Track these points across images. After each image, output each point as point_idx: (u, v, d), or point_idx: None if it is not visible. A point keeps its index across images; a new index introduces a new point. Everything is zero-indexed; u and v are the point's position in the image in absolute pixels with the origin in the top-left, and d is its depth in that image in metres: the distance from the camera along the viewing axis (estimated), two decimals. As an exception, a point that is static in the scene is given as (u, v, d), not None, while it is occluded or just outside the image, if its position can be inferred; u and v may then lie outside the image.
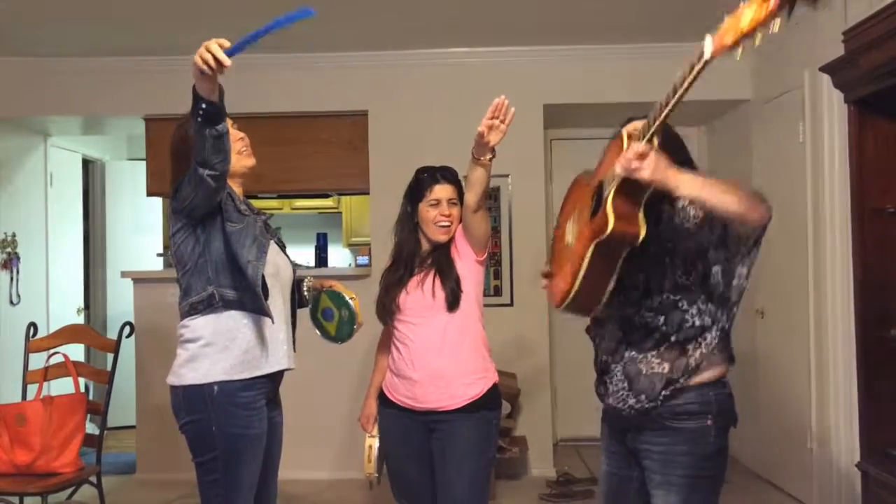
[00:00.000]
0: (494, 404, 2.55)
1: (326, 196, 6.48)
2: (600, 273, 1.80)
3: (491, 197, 4.90)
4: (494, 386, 2.55)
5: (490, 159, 2.40)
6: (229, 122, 2.38)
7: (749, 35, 1.36)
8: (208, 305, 2.25)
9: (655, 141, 1.69)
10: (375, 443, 2.62)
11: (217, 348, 2.24)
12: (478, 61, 4.87)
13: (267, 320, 2.26)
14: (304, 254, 6.31)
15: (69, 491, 3.37)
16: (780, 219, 4.68)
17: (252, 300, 2.23)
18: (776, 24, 1.34)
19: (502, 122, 2.32)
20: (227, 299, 2.24)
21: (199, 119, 2.01)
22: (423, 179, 2.63)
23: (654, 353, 1.93)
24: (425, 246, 2.60)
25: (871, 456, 3.23)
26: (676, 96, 1.57)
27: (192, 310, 2.27)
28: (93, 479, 3.40)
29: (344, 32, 4.48)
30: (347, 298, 2.51)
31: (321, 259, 5.89)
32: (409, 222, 2.62)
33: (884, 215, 3.29)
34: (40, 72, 4.85)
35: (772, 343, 4.36)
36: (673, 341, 1.92)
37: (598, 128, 4.69)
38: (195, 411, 2.25)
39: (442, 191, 2.59)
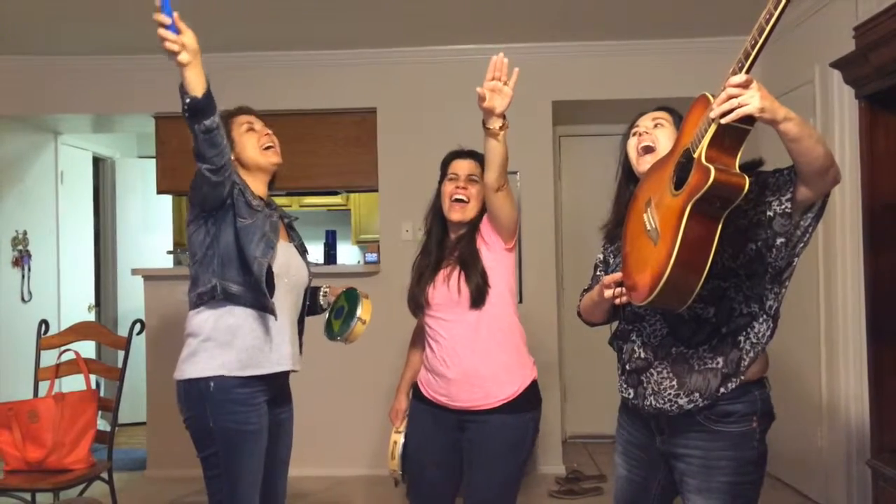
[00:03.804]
0: (531, 404, 2.40)
1: (335, 193, 6.49)
2: (698, 242, 1.58)
3: (500, 194, 4.89)
4: (533, 383, 2.41)
5: (501, 128, 2.26)
6: (255, 119, 2.43)
7: None
8: (211, 297, 2.26)
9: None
10: (401, 439, 2.52)
11: (216, 343, 2.25)
12: (486, 58, 4.80)
13: (270, 318, 2.27)
14: (312, 251, 6.31)
15: (81, 487, 3.40)
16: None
17: (255, 296, 2.24)
18: None
19: (504, 83, 2.19)
20: (230, 293, 2.25)
21: (186, 114, 2.02)
22: (449, 154, 2.57)
23: (705, 347, 1.82)
24: (452, 235, 2.51)
25: (881, 453, 3.22)
26: (771, 21, 1.47)
27: (199, 300, 2.29)
28: (104, 475, 3.42)
29: (352, 30, 4.49)
30: (359, 294, 2.49)
31: (330, 256, 5.90)
32: (437, 207, 2.54)
33: (895, 212, 3.27)
34: (51, 70, 4.88)
35: (782, 340, 4.34)
36: (724, 333, 1.81)
37: (608, 124, 4.70)
38: (193, 406, 2.27)
39: (460, 165, 2.51)
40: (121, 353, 3.54)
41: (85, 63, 4.86)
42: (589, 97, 4.86)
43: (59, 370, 3.49)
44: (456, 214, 2.46)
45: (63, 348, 3.53)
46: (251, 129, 2.41)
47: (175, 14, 1.91)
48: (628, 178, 2.07)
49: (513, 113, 5.31)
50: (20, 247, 5.30)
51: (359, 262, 6.91)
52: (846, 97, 3.60)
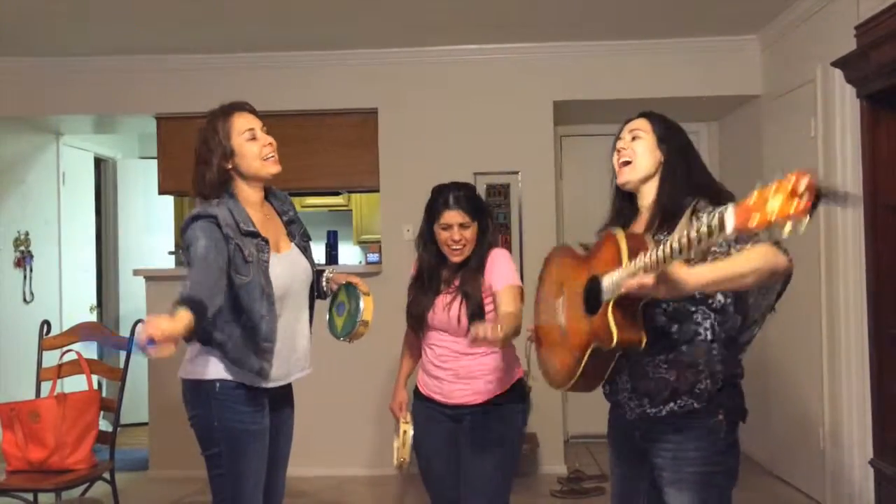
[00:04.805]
0: (518, 398, 2.63)
1: (336, 194, 6.49)
2: (600, 366, 1.85)
3: (501, 194, 4.91)
4: (518, 380, 2.63)
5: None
6: (256, 121, 2.34)
7: (775, 225, 1.26)
8: (196, 337, 2.27)
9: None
10: (410, 429, 2.69)
11: (220, 350, 2.26)
12: (487, 58, 4.87)
13: (267, 341, 2.25)
14: (314, 251, 6.31)
15: (83, 487, 3.40)
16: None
17: (242, 354, 2.22)
18: (803, 224, 1.24)
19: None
20: (214, 339, 2.24)
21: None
22: (436, 202, 2.62)
23: (662, 357, 1.89)
24: (450, 262, 2.63)
25: (883, 453, 3.22)
26: (682, 254, 1.49)
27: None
28: (106, 475, 3.42)
29: (353, 30, 4.49)
30: (359, 292, 2.45)
31: (331, 257, 5.90)
32: (428, 237, 2.65)
33: (896, 211, 3.27)
34: (52, 71, 4.88)
35: (784, 340, 4.34)
36: (683, 351, 1.87)
37: (608, 124, 4.69)
38: (198, 405, 2.28)
39: (452, 216, 2.57)
40: (122, 354, 3.54)
41: (86, 64, 4.87)
42: (590, 97, 4.85)
43: (61, 370, 3.49)
44: (456, 258, 2.59)
45: (65, 349, 3.54)
46: (253, 139, 2.31)
47: (142, 334, 1.83)
48: (620, 192, 2.10)
49: (514, 112, 5.33)
50: (22, 247, 5.30)
51: (360, 262, 6.90)
52: (848, 96, 3.59)
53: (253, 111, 2.37)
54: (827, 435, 3.90)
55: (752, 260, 1.66)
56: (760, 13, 4.30)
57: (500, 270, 2.57)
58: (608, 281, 1.74)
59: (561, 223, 5.33)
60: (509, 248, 4.86)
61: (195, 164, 2.32)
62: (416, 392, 2.72)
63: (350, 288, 2.50)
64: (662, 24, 4.46)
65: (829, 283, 3.86)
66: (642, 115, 2.07)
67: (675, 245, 1.51)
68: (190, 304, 1.97)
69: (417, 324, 2.66)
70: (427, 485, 2.71)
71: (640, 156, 1.98)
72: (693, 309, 1.87)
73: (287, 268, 2.33)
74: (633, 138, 2.01)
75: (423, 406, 2.68)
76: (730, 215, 1.34)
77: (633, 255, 1.68)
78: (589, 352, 1.81)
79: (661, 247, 1.56)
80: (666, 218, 1.89)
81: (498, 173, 4.87)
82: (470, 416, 2.56)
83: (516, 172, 4.87)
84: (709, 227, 1.40)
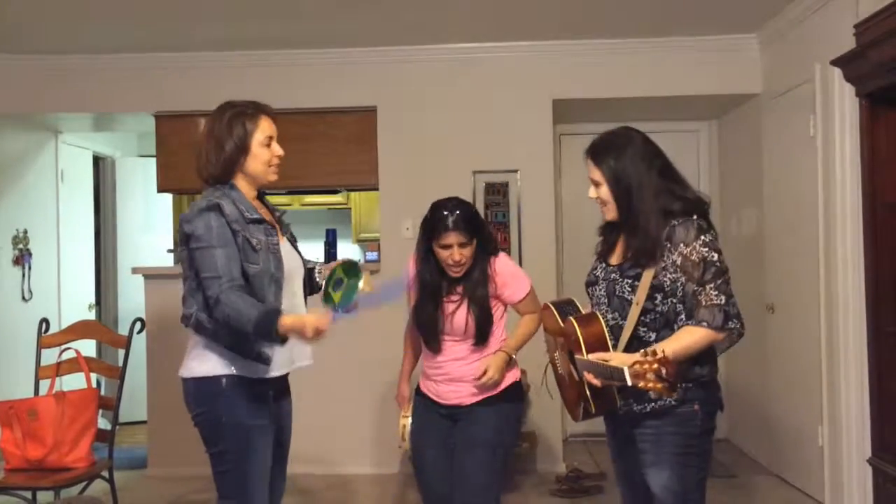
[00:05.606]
0: (512, 399, 2.71)
1: (336, 192, 6.49)
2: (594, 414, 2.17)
3: (500, 192, 4.90)
4: (514, 382, 2.72)
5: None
6: (274, 130, 2.39)
7: (649, 390, 1.78)
8: (187, 325, 2.31)
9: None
10: (408, 422, 2.81)
11: (214, 338, 2.27)
12: (486, 56, 4.87)
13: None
14: (313, 249, 6.30)
15: (81, 486, 3.40)
16: (791, 214, 4.63)
17: (234, 341, 2.24)
18: (673, 394, 1.82)
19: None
20: (205, 326, 2.26)
21: (261, 338, 2.19)
22: (436, 222, 2.63)
23: None
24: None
25: (882, 451, 3.22)
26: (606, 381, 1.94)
27: (183, 319, 2.34)
28: (105, 473, 3.42)
29: (352, 28, 4.48)
30: (359, 265, 2.47)
31: (330, 255, 5.90)
32: (426, 252, 2.68)
33: (895, 210, 3.27)
34: (51, 69, 4.87)
35: (782, 338, 4.35)
36: None
37: (607, 122, 4.70)
38: (204, 403, 2.29)
39: (451, 237, 2.60)
40: (121, 352, 3.54)
41: (85, 61, 4.86)
42: (589, 95, 4.85)
43: (59, 369, 3.49)
44: (455, 274, 2.66)
45: (63, 347, 3.53)
46: (268, 146, 2.37)
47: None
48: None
49: (513, 111, 5.31)
50: (21, 245, 5.29)
51: (359, 260, 6.90)
52: (847, 95, 3.59)
53: (275, 117, 2.43)
54: (826, 433, 3.90)
55: (684, 340, 2.01)
56: (760, 12, 4.29)
57: (511, 284, 2.69)
58: (578, 362, 2.06)
59: (560, 222, 5.33)
60: (508, 247, 4.86)
61: (207, 143, 2.33)
62: (418, 388, 2.83)
63: (348, 264, 2.47)
64: (662, 22, 4.46)
65: (827, 281, 3.86)
66: (587, 155, 2.20)
67: (606, 373, 1.93)
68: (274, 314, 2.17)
69: (433, 337, 2.71)
70: (419, 477, 2.79)
71: (608, 201, 2.17)
72: (673, 318, 2.08)
73: (286, 253, 2.38)
74: (596, 185, 2.18)
75: (422, 402, 2.79)
76: (627, 376, 1.80)
77: (590, 349, 2.02)
78: (583, 406, 2.14)
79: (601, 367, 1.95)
80: (635, 252, 2.10)
81: (497, 172, 4.87)
82: (462, 415, 2.66)
83: (515, 171, 4.87)
84: (612, 375, 1.88)
